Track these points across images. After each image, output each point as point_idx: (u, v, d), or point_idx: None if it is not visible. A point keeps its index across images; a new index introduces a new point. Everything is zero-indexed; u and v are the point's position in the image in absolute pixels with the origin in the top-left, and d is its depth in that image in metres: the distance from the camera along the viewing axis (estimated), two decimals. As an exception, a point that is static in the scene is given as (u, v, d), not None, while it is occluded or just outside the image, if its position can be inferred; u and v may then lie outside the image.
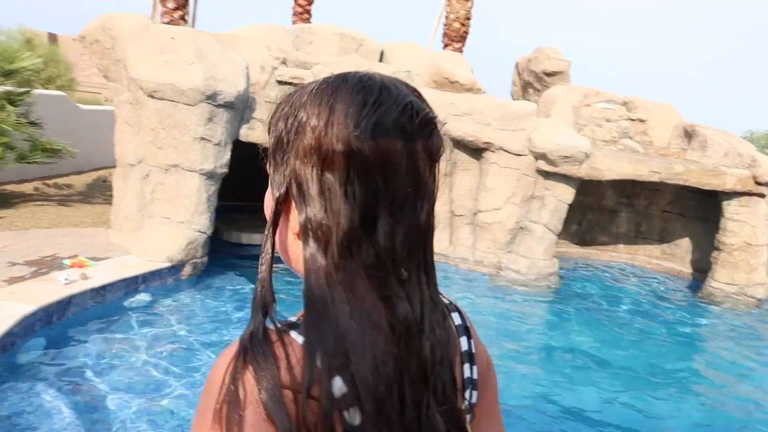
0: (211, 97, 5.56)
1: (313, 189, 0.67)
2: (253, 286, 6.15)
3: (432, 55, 8.74)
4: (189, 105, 5.51)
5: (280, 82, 7.46)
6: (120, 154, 6.22)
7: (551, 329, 6.39)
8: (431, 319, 0.69)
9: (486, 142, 7.35)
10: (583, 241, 9.49)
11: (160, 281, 5.60)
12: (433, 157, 0.71)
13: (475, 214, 7.64)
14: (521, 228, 7.52)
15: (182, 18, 9.88)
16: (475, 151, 7.57)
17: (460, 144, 7.53)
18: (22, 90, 7.02)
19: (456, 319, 0.80)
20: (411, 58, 8.91)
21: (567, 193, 7.39)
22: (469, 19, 12.09)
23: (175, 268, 5.74)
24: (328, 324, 0.64)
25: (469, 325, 0.82)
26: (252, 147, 6.44)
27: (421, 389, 0.67)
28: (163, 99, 5.54)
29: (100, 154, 9.51)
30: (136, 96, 5.81)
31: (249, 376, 0.62)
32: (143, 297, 5.28)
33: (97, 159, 9.65)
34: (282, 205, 0.70)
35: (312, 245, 0.67)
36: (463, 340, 0.79)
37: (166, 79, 5.47)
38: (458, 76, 7.72)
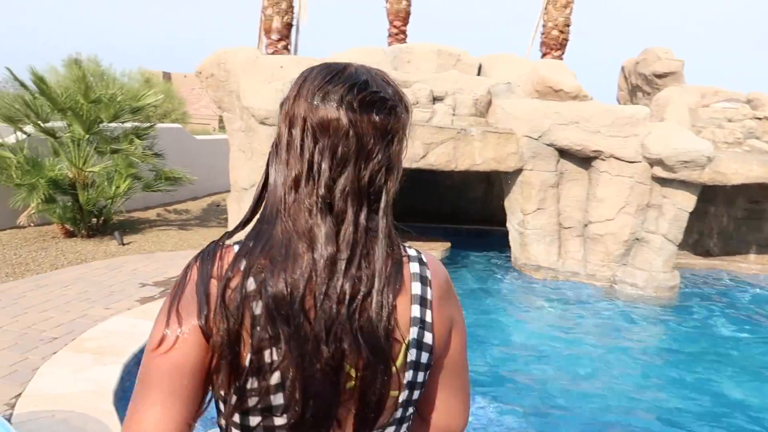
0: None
1: (282, 143, 0.88)
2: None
3: (532, 64, 8.52)
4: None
5: (381, 102, 7.58)
6: (234, 179, 6.55)
7: (675, 347, 5.91)
8: (360, 259, 0.83)
9: (595, 150, 7.01)
10: (707, 251, 8.76)
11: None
12: (384, 130, 0.86)
13: (586, 225, 7.29)
14: (637, 239, 7.07)
15: (285, 48, 10.35)
16: (584, 160, 7.24)
17: (566, 153, 7.24)
18: (148, 125, 7.62)
19: (414, 267, 0.91)
20: (510, 70, 8.75)
21: (687, 201, 6.87)
22: (568, 25, 11.71)
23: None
24: (262, 240, 0.84)
25: (428, 275, 0.92)
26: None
27: (330, 311, 0.80)
28: (274, 125, 5.77)
29: (213, 180, 10.12)
30: (248, 124, 6.11)
31: (194, 269, 0.85)
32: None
33: (211, 185, 10.27)
34: (271, 155, 0.91)
35: (276, 182, 0.87)
36: (416, 285, 0.89)
37: (276, 106, 5.70)
38: (562, 84, 7.46)
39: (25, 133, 7.07)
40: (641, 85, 9.43)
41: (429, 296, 0.90)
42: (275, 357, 0.79)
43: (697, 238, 8.60)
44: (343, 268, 0.81)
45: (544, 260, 7.47)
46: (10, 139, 6.99)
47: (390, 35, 12.33)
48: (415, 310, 0.88)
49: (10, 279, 5.38)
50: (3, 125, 7.38)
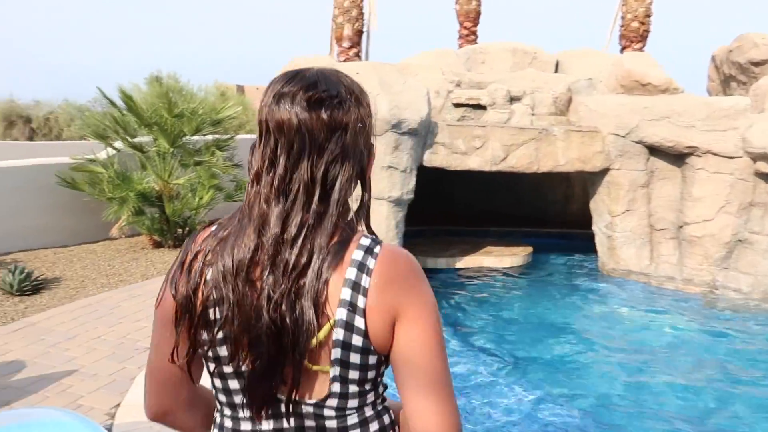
0: (396, 126, 5.63)
1: (255, 145, 1.03)
2: (443, 311, 6.06)
3: (615, 59, 8.11)
4: (376, 136, 5.63)
5: (456, 105, 7.41)
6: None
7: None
8: (304, 239, 0.94)
9: (690, 147, 6.55)
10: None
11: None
12: (333, 125, 0.96)
13: (680, 227, 6.81)
14: (740, 241, 6.53)
15: (356, 55, 10.39)
16: (677, 157, 6.78)
17: (657, 151, 6.80)
18: (228, 136, 7.80)
19: (357, 255, 0.96)
20: (590, 65, 8.36)
21: (798, 198, 6.28)
22: (649, 16, 11.11)
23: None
24: (228, 224, 1.02)
25: (370, 264, 0.96)
26: (432, 171, 6.43)
27: (275, 280, 0.94)
28: (351, 132, 5.73)
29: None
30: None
31: (185, 246, 1.05)
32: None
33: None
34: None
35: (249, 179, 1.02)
36: (351, 270, 0.95)
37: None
38: (650, 77, 7.03)
39: (114, 148, 7.40)
40: (735, 75, 8.76)
41: (364, 283, 0.94)
42: (217, 315, 0.97)
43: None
44: (289, 245, 0.94)
45: (635, 265, 7.04)
46: (101, 155, 7.33)
47: (460, 36, 12.13)
48: (345, 293, 0.94)
49: (105, 289, 5.60)
50: (94, 142, 7.76)
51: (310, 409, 0.98)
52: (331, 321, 0.93)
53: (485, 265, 7.52)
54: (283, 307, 0.92)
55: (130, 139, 7.28)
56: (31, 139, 23.89)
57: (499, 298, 6.56)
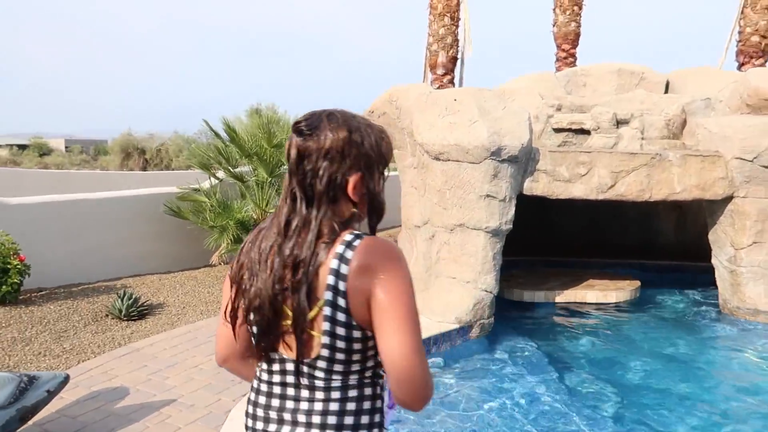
0: (496, 153, 5.39)
1: None
2: (537, 345, 5.64)
3: (737, 76, 7.41)
4: (474, 163, 5.42)
5: (557, 130, 7.05)
6: (406, 216, 6.43)
7: None
8: (297, 238, 1.26)
9: (835, 172, 5.77)
10: None
11: (449, 343, 5.47)
12: (305, 150, 1.28)
13: (822, 263, 5.98)
14: None
15: (450, 82, 10.26)
16: (817, 184, 6.00)
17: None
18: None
19: (339, 249, 1.24)
20: (706, 83, 7.69)
21: None
22: (772, 29, 10.15)
23: (464, 330, 5.57)
24: (268, 223, 1.36)
25: (349, 255, 1.23)
26: (531, 199, 6.09)
27: (279, 268, 1.26)
28: (449, 160, 5.55)
29: (386, 216, 10.21)
30: (421, 160, 5.96)
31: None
32: (437, 359, 5.18)
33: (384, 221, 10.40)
34: None
35: None
36: (334, 261, 1.23)
37: (451, 140, 5.49)
38: (781, 95, 6.32)
39: (217, 178, 7.67)
40: None
41: (344, 271, 1.21)
42: (246, 287, 1.31)
43: None
44: (288, 240, 1.27)
45: (765, 303, 6.26)
46: (205, 185, 7.62)
47: (558, 59, 11.69)
48: (330, 279, 1.22)
49: (204, 317, 5.71)
50: (199, 171, 8.10)
51: (305, 368, 1.29)
52: (320, 302, 1.23)
53: (588, 300, 6.99)
54: (285, 290, 1.26)
55: (231, 169, 7.52)
56: (144, 169, 25.79)
57: (604, 339, 6.03)
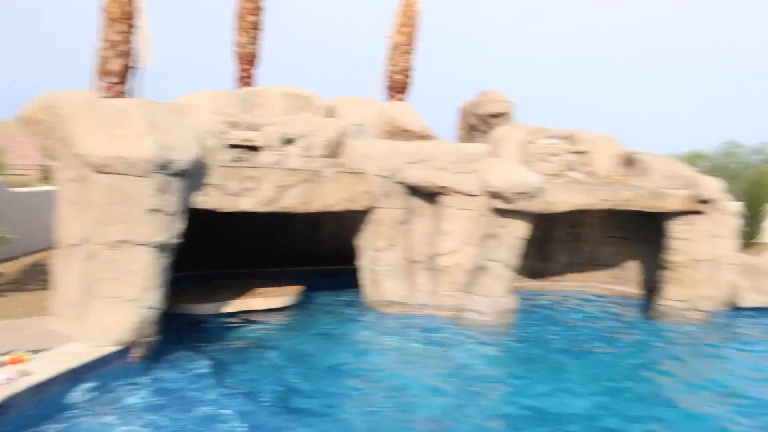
0: (164, 167, 5.47)
1: None
2: (203, 358, 5.78)
3: (382, 107, 8.94)
4: (141, 177, 5.39)
5: (231, 146, 7.46)
6: (62, 234, 5.94)
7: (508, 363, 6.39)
8: None
9: (442, 186, 7.48)
10: (537, 273, 9.69)
11: (106, 368, 5.11)
12: None
13: (433, 258, 7.66)
14: (479, 268, 7.55)
15: (123, 92, 9.83)
16: (431, 196, 7.67)
17: (415, 190, 7.63)
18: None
19: None
20: (361, 112, 9.09)
21: (523, 229, 7.54)
22: (409, 70, 12.47)
23: (124, 352, 5.31)
24: None
25: None
26: (206, 212, 6.34)
27: None
28: (113, 173, 5.40)
29: (36, 237, 9.15)
30: (81, 173, 5.64)
31: None
32: (87, 387, 4.82)
33: (32, 243, 9.25)
34: None
35: None
36: None
37: (115, 152, 5.35)
38: (410, 125, 7.92)
39: None
40: (477, 125, 10.27)
41: None
42: None
43: (529, 262, 9.44)
44: None
45: (395, 295, 7.66)
46: None
47: (240, 78, 12.24)
48: None
49: None
50: None
51: None
52: None
53: (255, 308, 7.50)
54: None
55: None
56: None
57: (269, 340, 6.60)
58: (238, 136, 7.47)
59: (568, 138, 9.46)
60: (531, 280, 9.59)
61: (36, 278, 7.83)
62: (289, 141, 7.67)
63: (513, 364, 6.40)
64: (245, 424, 4.57)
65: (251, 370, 5.73)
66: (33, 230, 9.02)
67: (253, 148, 7.42)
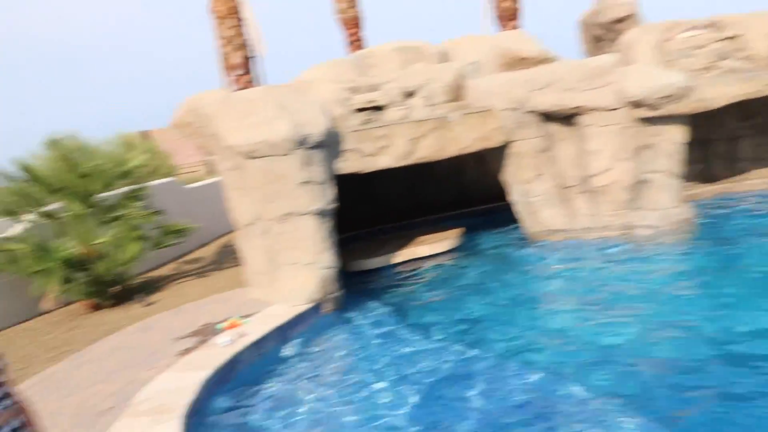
0: (302, 142, 5.87)
1: None
2: (387, 303, 6.33)
3: (495, 40, 8.67)
4: (285, 155, 5.85)
5: (358, 110, 7.73)
6: (237, 217, 6.69)
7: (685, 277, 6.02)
8: None
9: (575, 107, 7.15)
10: (711, 177, 8.88)
11: (306, 323, 5.88)
12: None
13: (587, 180, 7.38)
14: (642, 182, 7.13)
15: (249, 81, 10.51)
16: (567, 118, 7.37)
17: (550, 116, 7.36)
18: (140, 185, 7.75)
19: None
20: (474, 50, 8.89)
21: (679, 134, 6.98)
22: (517, -7, 11.88)
23: (317, 308, 6.05)
24: None
25: None
26: (352, 177, 6.71)
27: None
28: (261, 156, 5.91)
29: (218, 223, 10.26)
30: (236, 161, 6.24)
31: None
32: (296, 340, 5.58)
33: (217, 229, 10.42)
34: None
35: None
36: None
37: (258, 138, 5.84)
38: (527, 52, 7.64)
39: (28, 221, 7.20)
40: (603, 35, 9.58)
41: None
42: None
43: (701, 167, 8.69)
44: None
45: (556, 224, 7.56)
46: (16, 231, 7.12)
47: (349, 44, 12.48)
48: None
49: (51, 363, 5.52)
50: (3, 219, 7.50)
51: None
52: None
53: (421, 255, 7.89)
54: None
55: (41, 209, 7.11)
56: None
57: (444, 283, 6.92)
58: (361, 99, 7.70)
59: (712, 25, 8.49)
60: (707, 184, 8.80)
61: (228, 257, 8.90)
62: (410, 94, 7.76)
63: (709, 274, 5.99)
64: (436, 359, 4.90)
65: (434, 308, 6.10)
66: (214, 217, 10.11)
67: (378, 108, 7.62)
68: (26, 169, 7.03)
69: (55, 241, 7.00)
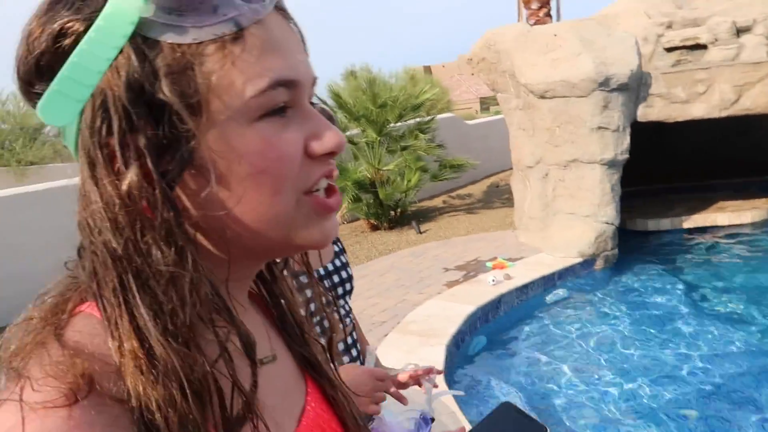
0: (604, 83, 5.30)
1: None
2: (666, 272, 5.58)
3: None
4: (582, 97, 5.38)
5: (669, 49, 6.68)
6: (516, 158, 6.50)
7: None
8: None
9: None
10: None
11: (574, 276, 5.59)
12: None
13: None
14: None
15: (547, 15, 9.91)
16: None
17: None
18: (429, 118, 8.08)
19: None
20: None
21: None
22: None
23: (588, 263, 5.66)
24: None
25: None
26: (644, 125, 5.91)
27: None
28: (555, 97, 5.54)
29: (490, 162, 10.26)
30: (526, 101, 5.98)
31: None
32: (560, 292, 5.34)
33: (488, 167, 10.44)
34: None
35: None
36: None
37: (555, 77, 5.46)
38: None
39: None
40: None
41: None
42: None
43: None
44: None
45: None
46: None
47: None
48: None
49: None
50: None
51: None
52: None
53: (719, 223, 6.71)
54: None
55: (344, 134, 7.95)
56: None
57: (742, 261, 5.83)
58: (679, 35, 6.61)
59: None
60: None
61: (497, 197, 8.95)
62: (743, 30, 6.39)
63: None
64: (719, 344, 4.22)
65: (727, 290, 5.21)
66: (487, 156, 10.20)
67: (698, 47, 6.46)
68: (335, 94, 7.86)
69: (351, 164, 7.78)
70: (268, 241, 0.49)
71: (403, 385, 1.30)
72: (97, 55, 0.41)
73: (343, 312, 1.44)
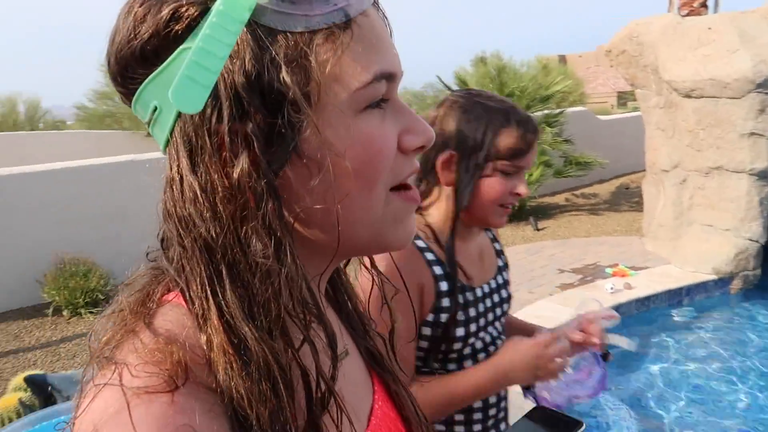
0: (763, 85, 4.76)
1: None
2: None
3: None
4: (734, 98, 4.87)
5: None
6: (651, 160, 6.06)
7: None
8: None
9: None
10: None
11: (705, 294, 5.13)
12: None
13: None
14: None
15: (703, 6, 9.06)
16: None
17: None
18: (558, 111, 7.75)
19: None
20: None
21: None
22: None
23: (723, 282, 5.16)
24: None
25: None
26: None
27: None
28: (702, 97, 5.07)
29: (620, 161, 9.65)
30: (668, 99, 5.54)
31: None
32: (687, 311, 4.94)
33: (617, 167, 9.83)
34: None
35: None
36: None
37: (705, 75, 4.99)
38: None
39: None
40: None
41: None
42: None
43: None
44: None
45: None
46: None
47: None
48: None
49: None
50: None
51: None
52: None
53: None
54: None
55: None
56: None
57: None
58: None
59: None
60: None
61: (626, 199, 8.43)
62: None
63: None
64: None
65: None
66: (618, 155, 9.60)
67: None
68: (461, 81, 7.77)
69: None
70: (357, 238, 0.48)
71: (578, 345, 1.19)
72: (221, 40, 0.40)
73: (495, 333, 1.28)
